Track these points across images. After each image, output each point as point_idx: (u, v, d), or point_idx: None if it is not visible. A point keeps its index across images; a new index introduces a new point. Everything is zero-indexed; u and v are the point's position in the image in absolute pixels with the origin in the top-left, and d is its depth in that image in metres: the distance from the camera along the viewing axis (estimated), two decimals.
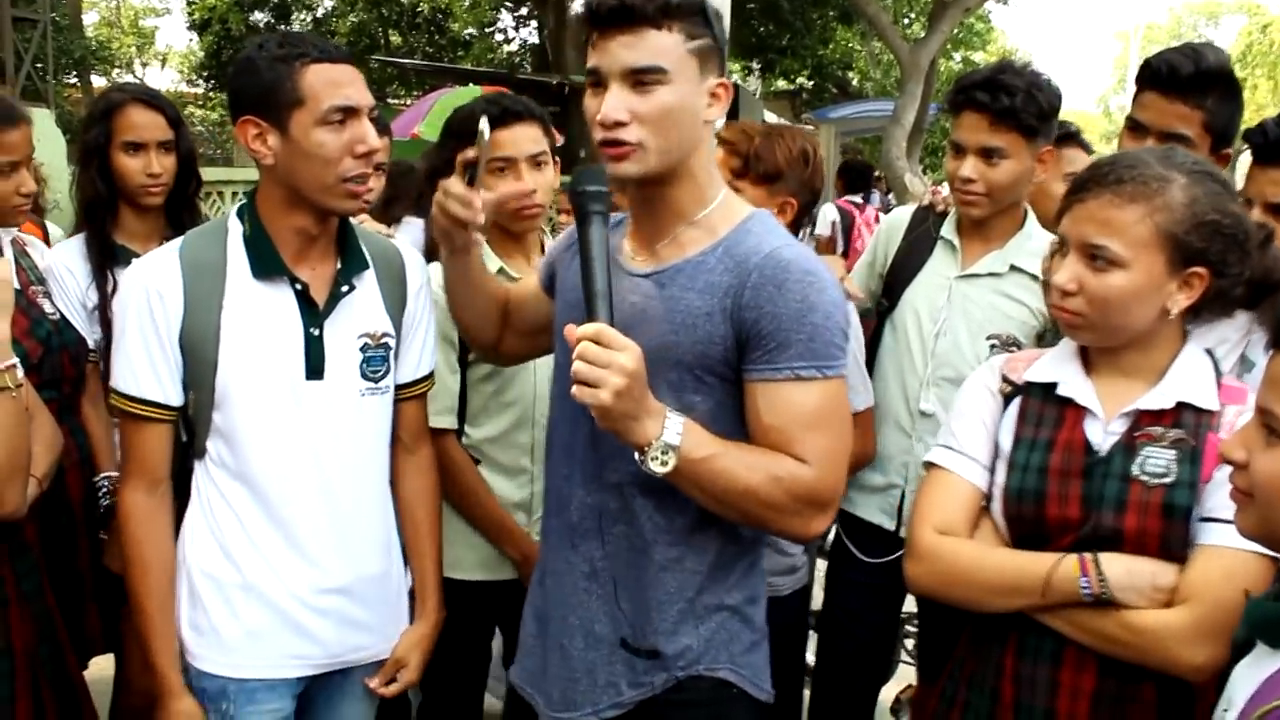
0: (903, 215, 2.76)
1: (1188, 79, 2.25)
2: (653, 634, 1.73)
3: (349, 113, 1.82)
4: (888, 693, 3.56)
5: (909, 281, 2.59)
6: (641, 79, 1.61)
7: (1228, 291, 1.68)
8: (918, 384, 2.53)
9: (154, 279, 1.87)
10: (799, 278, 1.61)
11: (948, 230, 2.58)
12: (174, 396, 1.89)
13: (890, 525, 2.57)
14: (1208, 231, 1.63)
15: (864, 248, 3.47)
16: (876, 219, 8.64)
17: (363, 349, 1.95)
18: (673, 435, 1.56)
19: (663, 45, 1.61)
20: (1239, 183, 2.09)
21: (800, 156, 2.42)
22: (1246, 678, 1.27)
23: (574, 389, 1.53)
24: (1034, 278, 2.43)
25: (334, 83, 1.82)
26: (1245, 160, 2.15)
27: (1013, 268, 2.48)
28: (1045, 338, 2.41)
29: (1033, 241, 2.49)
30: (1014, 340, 2.44)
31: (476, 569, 2.49)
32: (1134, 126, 2.35)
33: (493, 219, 2.09)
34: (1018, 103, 2.33)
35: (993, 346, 2.43)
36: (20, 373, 1.86)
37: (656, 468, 1.57)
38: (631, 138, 1.62)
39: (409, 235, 3.38)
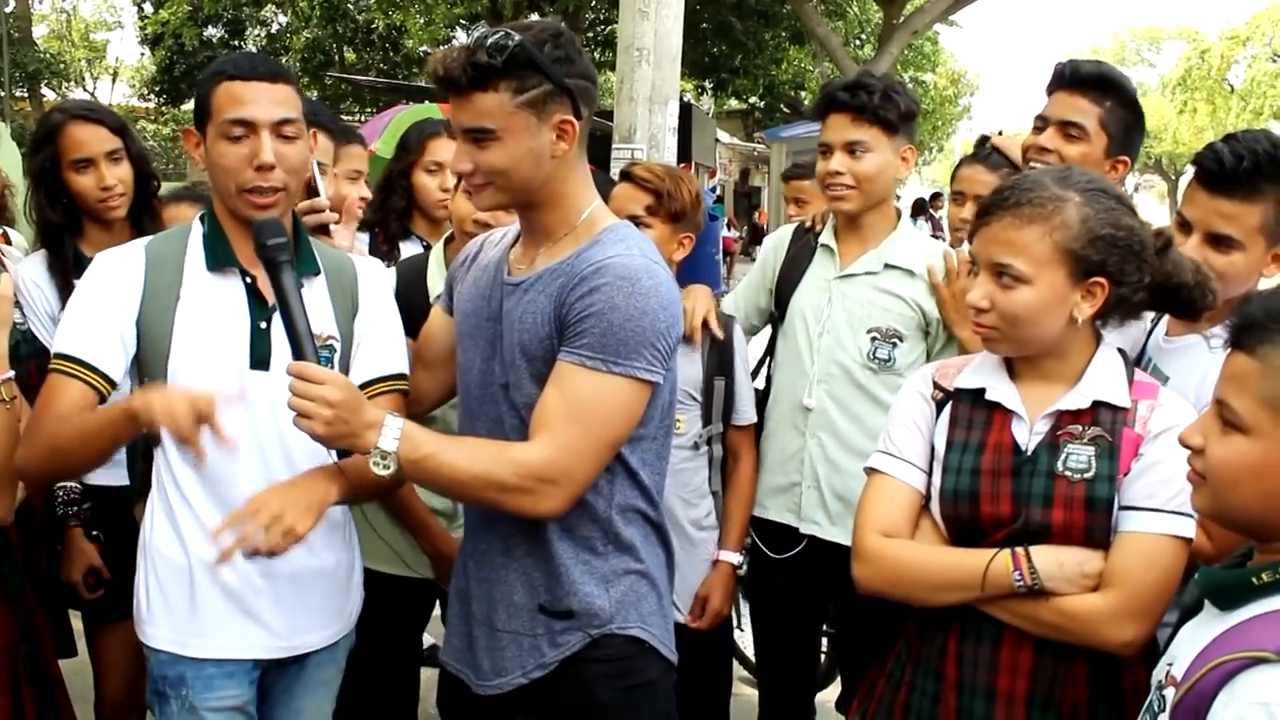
0: (784, 233, 2.94)
1: (1088, 76, 2.56)
2: (564, 596, 1.89)
3: (247, 126, 1.93)
4: (830, 694, 3.68)
5: (794, 289, 2.76)
6: (476, 137, 1.81)
7: (1129, 298, 1.82)
8: (806, 382, 2.67)
9: (119, 264, 1.99)
10: (610, 280, 1.78)
11: (826, 237, 2.75)
12: (109, 366, 1.93)
13: (795, 522, 2.69)
14: (1103, 245, 1.76)
15: None
16: None
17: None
18: (389, 442, 1.72)
19: (487, 107, 1.78)
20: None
21: (696, 198, 2.61)
22: (1193, 637, 1.40)
23: (293, 420, 1.72)
24: (909, 272, 2.62)
25: (235, 98, 1.94)
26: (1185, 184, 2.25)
27: (888, 265, 2.65)
28: (931, 330, 2.62)
29: (905, 240, 2.68)
30: (894, 332, 2.61)
31: (393, 563, 2.60)
32: (1040, 123, 2.61)
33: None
34: (876, 100, 2.56)
35: (874, 339, 2.61)
36: (15, 386, 1.94)
37: (380, 471, 1.73)
38: (479, 181, 1.85)
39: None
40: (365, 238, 3.41)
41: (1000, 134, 3.38)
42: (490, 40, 1.75)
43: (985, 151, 3.32)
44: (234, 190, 1.95)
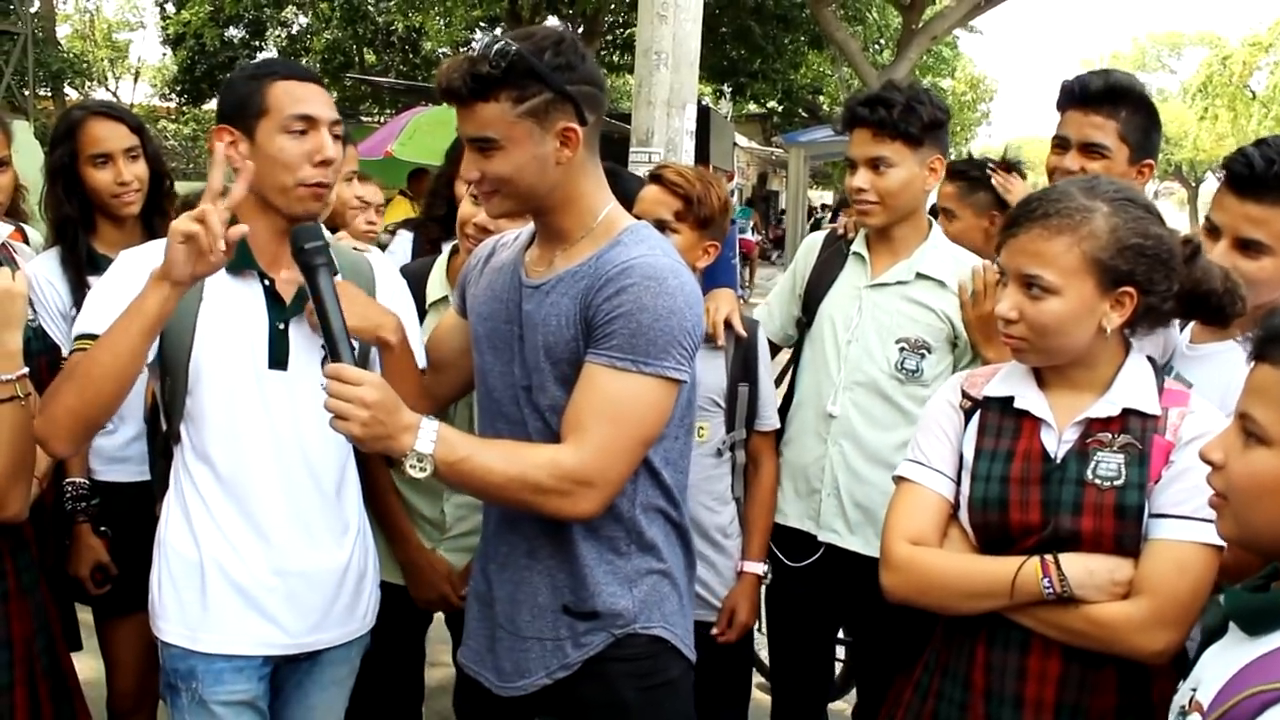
0: (816, 240, 2.92)
1: (1098, 92, 2.54)
2: (589, 597, 1.89)
3: (309, 122, 1.97)
4: (846, 705, 3.66)
5: (824, 296, 2.73)
6: (480, 146, 1.82)
7: (1158, 307, 1.80)
8: (831, 390, 2.64)
9: (143, 261, 1.98)
10: (638, 281, 1.78)
11: (858, 245, 2.72)
12: None
13: (814, 530, 2.68)
14: (1132, 254, 1.76)
15: None
16: None
17: (324, 345, 2.02)
18: (425, 444, 1.70)
19: (489, 117, 1.79)
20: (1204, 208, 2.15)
21: (725, 204, 2.57)
22: (1219, 661, 1.35)
23: (329, 421, 1.70)
24: (940, 283, 2.59)
25: (295, 96, 1.99)
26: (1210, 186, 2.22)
27: (919, 275, 2.62)
28: (959, 343, 2.58)
29: (937, 250, 2.65)
30: (923, 343, 2.58)
31: (394, 572, 2.57)
32: (1060, 144, 2.59)
33: None
34: (897, 114, 2.52)
35: (902, 349, 2.58)
36: (30, 382, 1.96)
37: (415, 474, 1.72)
38: (487, 188, 1.87)
39: (400, 246, 3.49)
40: (410, 237, 3.47)
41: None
42: (490, 50, 1.75)
43: (963, 163, 3.30)
44: (293, 185, 1.97)
